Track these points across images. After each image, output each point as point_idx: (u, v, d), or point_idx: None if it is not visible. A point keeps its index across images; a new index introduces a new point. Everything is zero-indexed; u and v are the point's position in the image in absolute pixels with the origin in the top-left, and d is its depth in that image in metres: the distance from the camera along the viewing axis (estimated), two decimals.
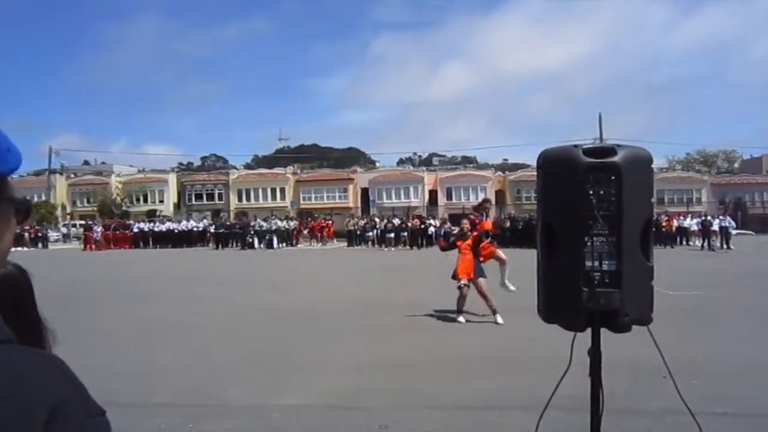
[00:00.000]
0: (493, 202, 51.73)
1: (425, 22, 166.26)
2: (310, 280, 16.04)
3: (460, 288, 8.82)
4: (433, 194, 54.98)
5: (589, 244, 2.28)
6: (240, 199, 57.14)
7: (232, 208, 55.62)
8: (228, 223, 37.14)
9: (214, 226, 36.44)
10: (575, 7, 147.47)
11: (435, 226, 33.90)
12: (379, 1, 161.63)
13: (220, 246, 33.28)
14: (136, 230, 37.27)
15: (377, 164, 75.30)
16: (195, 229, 37.67)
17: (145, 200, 57.78)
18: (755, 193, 53.99)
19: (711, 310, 10.04)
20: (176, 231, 37.20)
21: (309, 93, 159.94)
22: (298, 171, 61.61)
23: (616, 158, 2.26)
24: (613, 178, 2.25)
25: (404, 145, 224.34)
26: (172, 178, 60.09)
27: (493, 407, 5.00)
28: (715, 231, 28.30)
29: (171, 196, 58.64)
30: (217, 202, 57.15)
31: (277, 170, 60.78)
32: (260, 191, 56.94)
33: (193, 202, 57.60)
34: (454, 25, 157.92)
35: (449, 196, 54.34)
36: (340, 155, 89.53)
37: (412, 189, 54.54)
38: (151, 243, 36.40)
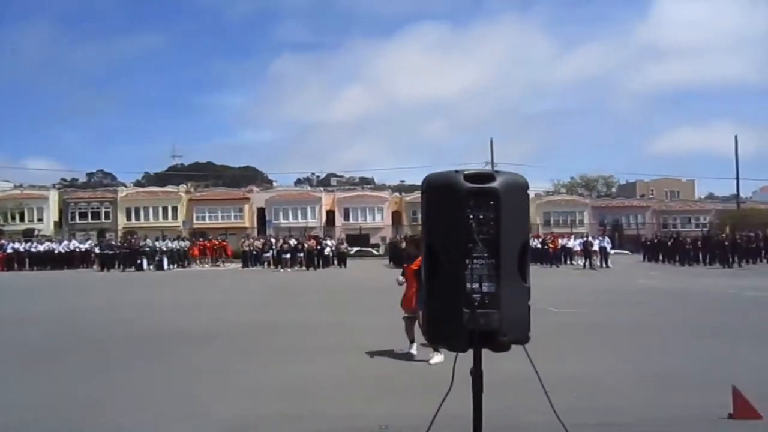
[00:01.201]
0: (390, 222, 52.66)
1: (325, 44, 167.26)
2: (202, 303, 15.50)
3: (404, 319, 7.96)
4: (330, 215, 55.07)
5: (469, 266, 2.35)
6: (129, 218, 54.57)
7: (119, 227, 52.95)
8: (114, 244, 35.25)
9: (99, 247, 34.43)
10: (466, 39, 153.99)
11: (331, 247, 33.87)
12: (279, 22, 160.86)
13: (105, 268, 31.48)
14: (10, 251, 34.48)
15: (274, 184, 74.45)
16: (77, 249, 35.42)
17: (22, 218, 53.76)
18: (630, 216, 58.28)
19: (590, 326, 10.61)
20: (56, 252, 34.78)
21: (205, 110, 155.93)
22: (192, 189, 59.67)
23: (494, 184, 2.36)
24: (491, 202, 2.34)
25: (302, 165, 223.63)
26: (53, 195, 56.43)
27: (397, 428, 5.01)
28: (595, 251, 30.13)
29: (51, 214, 54.97)
30: (103, 221, 54.25)
31: (169, 188, 58.57)
32: (151, 210, 54.67)
33: (77, 221, 54.30)
34: (353, 49, 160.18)
35: (347, 217, 54.64)
36: (236, 174, 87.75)
37: (309, 209, 54.33)
38: (27, 265, 33.78)
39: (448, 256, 2.37)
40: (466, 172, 2.39)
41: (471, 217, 2.34)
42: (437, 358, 7.32)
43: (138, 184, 71.84)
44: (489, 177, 2.38)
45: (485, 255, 2.35)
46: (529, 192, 2.47)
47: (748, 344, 8.47)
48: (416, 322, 7.43)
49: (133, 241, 34.09)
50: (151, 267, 31.24)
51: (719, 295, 15.81)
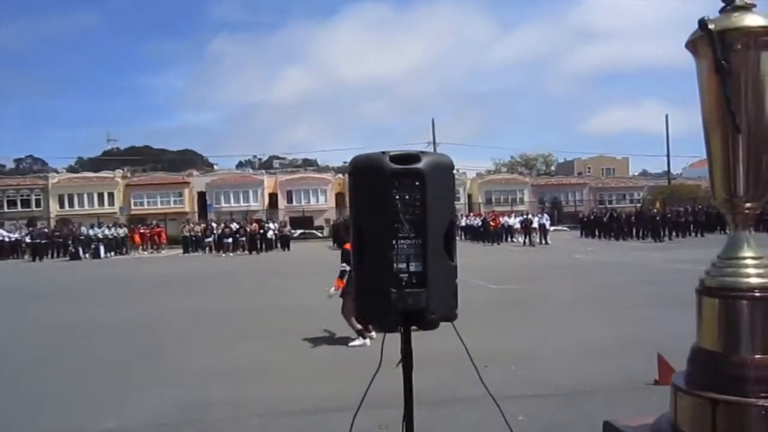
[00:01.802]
0: (334, 204, 52.46)
1: (264, 24, 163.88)
2: (140, 290, 15.14)
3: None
4: (273, 197, 54.42)
5: (396, 247, 2.37)
6: (62, 206, 52.42)
7: (52, 215, 50.88)
8: (46, 232, 33.91)
9: (30, 236, 33.04)
10: (407, 19, 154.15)
11: (274, 230, 33.55)
12: (216, 1, 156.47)
13: (37, 258, 30.28)
14: None
15: (215, 167, 72.91)
16: (6, 239, 33.90)
17: None
18: (568, 193, 59.87)
19: (528, 302, 10.93)
20: None
21: (141, 92, 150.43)
22: (129, 174, 57.80)
23: (420, 164, 2.37)
24: (417, 183, 2.36)
25: (244, 148, 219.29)
26: None
27: (328, 410, 5.04)
28: (535, 228, 30.89)
29: None
30: (34, 208, 51.92)
31: (104, 173, 56.48)
32: (85, 196, 52.62)
33: (5, 210, 51.82)
34: (293, 29, 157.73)
35: (290, 199, 54.12)
36: (175, 157, 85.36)
37: (251, 192, 53.54)
38: None
39: (374, 236, 2.38)
40: (391, 153, 2.40)
41: (397, 197, 2.35)
42: (358, 341, 7.41)
43: (71, 169, 69.01)
44: (414, 158, 2.39)
45: (412, 235, 2.37)
46: (454, 172, 2.50)
47: (674, 313, 8.88)
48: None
49: (73, 228, 32.77)
50: (87, 255, 30.24)
51: (649, 267, 16.51)
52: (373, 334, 7.70)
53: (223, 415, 5.07)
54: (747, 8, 2.09)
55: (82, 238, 31.57)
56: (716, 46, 1.91)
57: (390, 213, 2.34)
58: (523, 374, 6.09)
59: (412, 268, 2.38)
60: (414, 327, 2.51)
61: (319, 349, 7.48)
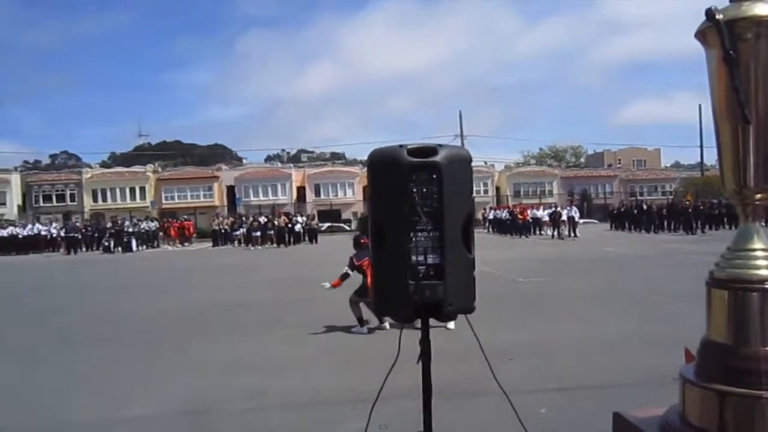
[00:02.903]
0: (361, 197, 52.52)
1: (293, 19, 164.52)
2: (171, 283, 15.42)
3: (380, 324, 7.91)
4: (301, 191, 54.74)
5: (413, 239, 2.40)
6: (95, 200, 53.54)
7: (86, 209, 52.00)
8: (79, 226, 34.68)
9: (64, 230, 33.83)
10: (433, 13, 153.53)
11: (302, 223, 33.80)
12: None
13: (71, 251, 31.00)
14: None
15: (244, 161, 73.63)
16: (42, 233, 34.76)
17: None
18: (598, 185, 59.05)
19: (555, 295, 10.84)
20: (20, 236, 34.09)
21: (171, 87, 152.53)
22: (159, 169, 58.71)
23: (437, 158, 2.39)
24: (434, 176, 2.38)
25: (272, 142, 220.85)
26: (15, 178, 54.87)
27: (349, 401, 5.09)
28: (563, 221, 30.58)
29: (14, 197, 53.59)
30: (68, 203, 53.11)
31: (136, 168, 57.48)
32: (118, 191, 53.69)
33: (41, 204, 53.11)
34: (320, 24, 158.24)
35: (317, 193, 54.39)
36: (204, 152, 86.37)
37: (279, 186, 53.93)
38: None
39: (392, 229, 2.41)
40: (409, 147, 2.41)
41: (414, 190, 2.37)
42: (356, 329, 7.68)
43: (104, 165, 70.46)
44: (432, 151, 2.40)
45: (429, 228, 2.39)
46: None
47: (703, 308, 8.74)
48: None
49: (119, 222, 33.34)
50: (119, 249, 30.84)
51: (680, 260, 16.22)
52: (387, 324, 7.76)
53: (246, 406, 5.15)
54: None
55: (130, 231, 32.08)
56: (724, 36, 1.89)
57: (408, 206, 2.37)
58: (547, 368, 6.06)
59: (429, 261, 2.41)
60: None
61: (340, 341, 7.54)
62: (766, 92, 2.04)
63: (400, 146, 2.44)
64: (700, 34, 2.09)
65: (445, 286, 2.40)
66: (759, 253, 2.16)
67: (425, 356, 2.57)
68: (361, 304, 7.73)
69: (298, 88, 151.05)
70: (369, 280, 7.48)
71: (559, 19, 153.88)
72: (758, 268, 2.12)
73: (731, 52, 1.88)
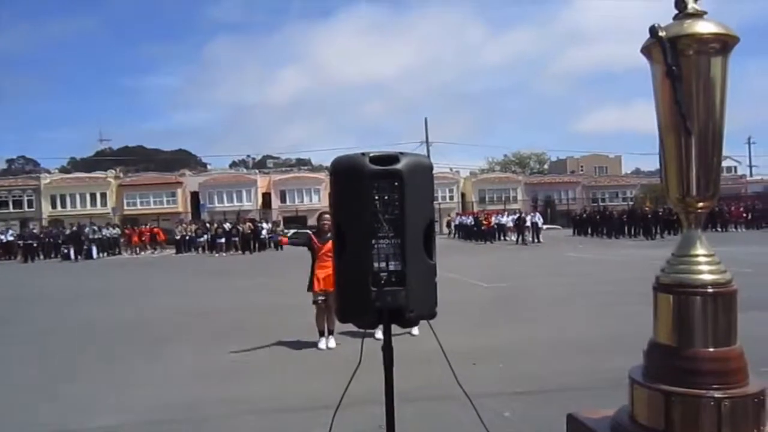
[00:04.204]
0: (327, 203, 52.39)
1: (261, 25, 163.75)
2: (136, 289, 15.14)
3: (316, 303, 7.40)
4: (266, 197, 54.31)
5: (375, 246, 2.42)
6: (54, 206, 52.19)
7: (44, 215, 50.69)
8: (36, 233, 33.78)
9: (21, 237, 32.92)
10: (401, 21, 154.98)
11: (267, 230, 33.53)
12: (212, 2, 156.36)
13: (28, 259, 30.20)
14: None
15: (209, 167, 72.78)
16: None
17: None
18: (561, 191, 59.97)
19: (519, 299, 10.98)
20: None
21: (135, 93, 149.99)
22: (121, 174, 57.58)
23: (399, 165, 2.42)
24: (396, 184, 2.41)
25: (237, 148, 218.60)
26: None
27: (315, 407, 5.08)
28: (527, 226, 30.99)
29: None
30: (26, 209, 51.68)
31: (97, 174, 56.25)
32: (78, 197, 52.40)
33: None
34: (289, 31, 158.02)
35: (283, 199, 54.01)
36: (168, 158, 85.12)
37: (244, 192, 53.42)
38: None
39: (354, 236, 2.43)
40: (371, 155, 2.45)
41: (376, 198, 2.41)
42: (329, 343, 7.43)
43: (63, 170, 68.75)
44: (393, 159, 2.44)
45: (391, 235, 2.42)
46: (433, 173, 2.55)
47: None
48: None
49: (79, 228, 32.46)
50: (80, 256, 30.14)
51: (640, 265, 16.57)
52: (379, 334, 7.58)
53: (213, 413, 5.10)
54: (698, 15, 2.14)
55: (95, 237, 31.34)
56: (667, 53, 1.98)
57: (369, 213, 2.40)
58: (512, 371, 6.14)
59: (391, 267, 2.44)
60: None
61: (305, 347, 7.50)
62: (706, 106, 2.13)
63: (363, 154, 2.47)
64: (646, 50, 2.19)
65: (406, 292, 2.43)
66: (701, 259, 2.24)
67: (387, 362, 2.59)
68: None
69: (266, 95, 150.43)
70: (319, 263, 7.29)
71: (523, 28, 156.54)
72: (700, 273, 2.21)
73: (673, 67, 1.97)
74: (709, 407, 2.01)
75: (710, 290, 2.18)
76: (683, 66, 2.05)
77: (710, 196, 2.25)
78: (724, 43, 2.15)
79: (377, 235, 2.42)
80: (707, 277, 2.20)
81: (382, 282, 2.41)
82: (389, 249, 2.43)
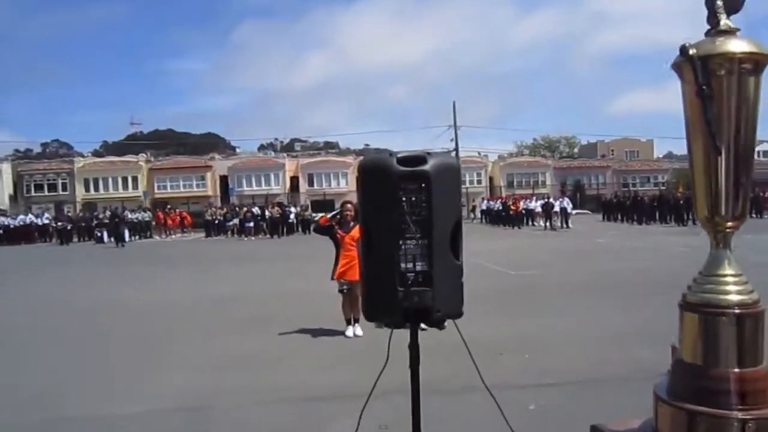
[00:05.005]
0: (355, 187, 52.40)
1: (289, 10, 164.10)
2: (163, 275, 15.43)
3: (342, 292, 7.44)
4: (294, 181, 54.62)
5: (403, 246, 2.44)
6: (87, 189, 53.29)
7: (78, 199, 51.80)
8: (71, 216, 34.54)
9: (56, 220, 33.69)
10: (427, 3, 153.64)
11: (295, 214, 33.78)
12: None
13: (63, 242, 30.91)
14: None
15: (237, 151, 73.38)
16: (34, 223, 34.62)
17: None
18: (591, 176, 59.22)
19: (546, 288, 10.93)
20: (12, 227, 33.93)
21: (165, 77, 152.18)
22: (152, 158, 58.43)
23: (426, 167, 2.43)
24: (423, 185, 2.42)
25: (265, 132, 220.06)
26: (6, 168, 54.43)
27: (341, 397, 5.15)
28: (556, 212, 30.70)
29: (5, 187, 53.20)
30: (60, 192, 52.85)
31: (128, 157, 57.16)
32: (110, 180, 53.40)
33: (33, 194, 52.83)
34: (316, 15, 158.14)
35: (311, 183, 54.29)
36: (197, 141, 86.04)
37: (272, 176, 53.80)
38: None
39: (382, 236, 2.46)
40: (399, 156, 2.46)
41: (404, 199, 2.42)
42: (356, 331, 7.47)
43: (96, 153, 70.09)
44: (421, 160, 2.44)
45: (418, 236, 2.44)
46: (460, 173, 2.55)
47: None
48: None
49: (118, 212, 33.06)
50: (112, 239, 30.74)
51: (670, 252, 16.35)
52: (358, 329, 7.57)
53: (240, 402, 5.20)
54: (731, 33, 2.11)
55: (132, 219, 31.88)
56: (698, 72, 1.94)
57: (397, 214, 2.42)
58: (538, 362, 6.14)
59: (418, 268, 2.46)
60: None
61: (331, 336, 7.57)
62: (737, 126, 2.10)
63: (390, 154, 2.49)
64: (676, 66, 2.15)
65: (433, 292, 2.45)
66: (729, 279, 2.23)
67: (413, 361, 2.62)
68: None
69: (293, 78, 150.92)
70: (344, 252, 7.35)
71: (551, 9, 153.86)
72: (728, 293, 2.20)
73: (704, 87, 1.94)
74: (733, 428, 2.00)
75: (737, 311, 2.18)
76: (714, 85, 2.02)
77: (739, 215, 2.24)
78: (757, 63, 2.12)
79: (404, 235, 2.44)
80: (734, 297, 2.19)
81: (409, 282, 2.43)
82: (416, 249, 2.45)
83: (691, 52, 1.97)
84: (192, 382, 5.79)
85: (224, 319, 8.93)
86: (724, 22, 2.06)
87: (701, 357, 2.20)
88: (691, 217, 29.69)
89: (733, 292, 2.21)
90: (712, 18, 2.06)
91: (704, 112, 1.95)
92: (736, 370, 2.14)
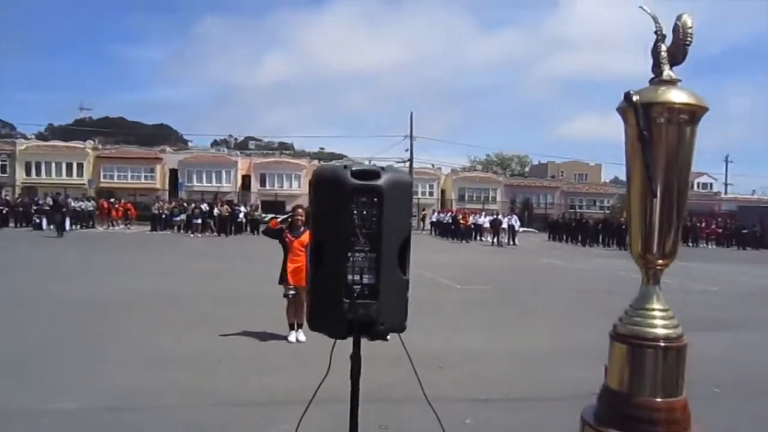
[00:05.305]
0: (307, 190, 52.09)
1: (254, 7, 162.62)
2: (104, 268, 14.99)
3: (287, 297, 7.38)
4: (246, 180, 53.85)
5: (351, 259, 2.47)
6: (29, 173, 51.22)
7: (18, 182, 49.82)
8: (8, 200, 33.21)
9: None
10: (393, 14, 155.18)
11: (245, 213, 33.35)
12: None
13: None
14: None
15: (189, 145, 72.01)
16: None
17: None
18: (540, 195, 60.45)
19: (491, 304, 11.13)
20: None
21: (120, 62, 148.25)
22: (100, 146, 56.66)
23: (379, 181, 2.46)
24: (375, 199, 2.45)
25: (220, 128, 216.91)
26: None
27: (282, 402, 5.11)
28: (504, 228, 31.27)
29: None
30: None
31: (75, 143, 55.17)
32: (53, 165, 51.41)
33: None
34: (281, 15, 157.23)
35: (263, 183, 53.61)
36: (149, 132, 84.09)
37: (224, 173, 52.90)
38: None
39: (331, 247, 2.47)
40: (353, 169, 2.49)
41: (355, 212, 2.45)
42: (298, 336, 7.44)
43: (40, 136, 67.48)
44: (375, 174, 2.48)
45: (367, 249, 2.47)
46: (412, 190, 2.60)
47: None
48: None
49: (59, 198, 31.81)
50: (51, 227, 29.68)
51: (610, 276, 16.86)
52: (292, 337, 7.52)
53: (175, 403, 5.11)
54: (673, 83, 2.26)
55: (75, 208, 30.77)
56: (640, 117, 2.08)
57: (347, 226, 2.44)
58: (477, 377, 6.24)
59: (365, 280, 2.48)
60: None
61: (274, 339, 7.52)
62: (672, 170, 2.24)
63: (345, 167, 2.51)
64: (620, 111, 2.29)
65: (378, 305, 2.48)
66: (657, 313, 2.38)
67: (355, 371, 2.64)
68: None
69: (252, 76, 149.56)
70: (291, 257, 7.31)
71: (512, 29, 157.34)
72: (655, 326, 2.35)
73: (645, 132, 2.07)
74: None
75: (662, 344, 2.32)
76: (654, 131, 2.15)
77: (670, 254, 2.38)
78: (693, 114, 2.26)
79: (354, 248, 2.46)
80: (660, 331, 2.34)
81: (356, 294, 2.46)
82: (364, 262, 2.48)
83: (635, 98, 2.11)
84: (127, 381, 5.65)
85: (165, 317, 8.76)
86: (667, 72, 2.22)
87: (627, 385, 2.32)
88: None
89: (659, 326, 2.34)
90: (656, 67, 2.21)
91: (644, 155, 2.07)
92: (659, 399, 2.27)
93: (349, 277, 2.46)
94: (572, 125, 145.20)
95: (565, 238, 34.98)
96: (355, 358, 2.64)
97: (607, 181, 76.41)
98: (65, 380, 5.60)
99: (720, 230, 37.21)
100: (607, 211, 50.41)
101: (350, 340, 2.62)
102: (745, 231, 36.06)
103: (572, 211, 48.58)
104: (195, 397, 5.25)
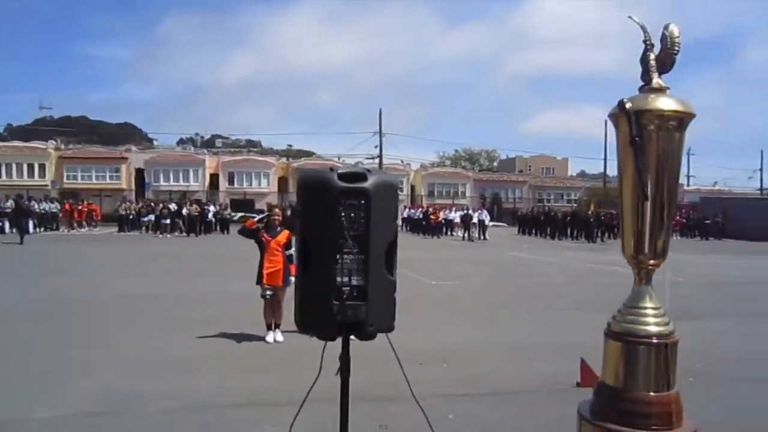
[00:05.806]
0: (276, 188, 51.82)
1: (218, 4, 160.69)
2: (75, 270, 14.72)
3: (264, 297, 7.37)
4: (214, 178, 53.26)
5: (339, 261, 2.49)
6: None
7: None
8: None
9: None
10: (358, 11, 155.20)
11: (214, 212, 33.00)
12: None
13: None
14: None
15: (155, 143, 70.94)
16: None
17: None
18: (509, 190, 61.09)
19: (463, 299, 11.24)
20: None
21: (81, 60, 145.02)
22: (62, 146, 55.37)
23: (366, 184, 2.49)
24: (362, 201, 2.48)
25: (186, 127, 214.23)
26: None
27: (264, 403, 5.10)
28: (474, 223, 31.52)
29: None
30: None
31: (35, 143, 53.80)
32: (14, 167, 49.99)
33: None
34: (247, 13, 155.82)
35: (231, 181, 53.08)
36: (113, 131, 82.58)
37: (192, 172, 52.16)
38: None
39: (320, 250, 2.49)
40: (340, 171, 2.50)
41: (343, 214, 2.47)
42: (276, 336, 7.43)
43: None
44: (361, 177, 2.50)
45: (355, 251, 2.49)
46: (398, 191, 2.63)
47: (599, 317, 9.33)
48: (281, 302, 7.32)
49: (21, 201, 30.88)
50: (14, 230, 28.95)
51: (580, 269, 17.19)
52: (270, 337, 7.53)
53: (157, 407, 5.06)
54: (662, 91, 2.37)
55: (39, 211, 30.00)
56: (632, 124, 2.19)
57: (335, 229, 2.46)
58: (456, 373, 6.30)
59: (354, 282, 2.51)
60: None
61: (252, 340, 7.49)
62: (663, 174, 2.35)
63: (331, 170, 2.53)
64: (613, 117, 2.38)
65: (367, 306, 2.50)
66: (649, 311, 2.50)
67: (344, 371, 2.66)
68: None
69: (218, 74, 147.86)
70: (268, 257, 7.31)
71: (478, 24, 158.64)
72: (647, 324, 2.47)
73: (637, 138, 2.16)
74: None
75: (655, 341, 2.44)
76: (645, 138, 2.26)
77: (661, 254, 2.49)
78: (681, 120, 2.38)
79: (342, 250, 2.48)
80: (653, 328, 2.46)
81: (345, 296, 2.48)
82: (353, 264, 2.50)
83: (627, 106, 2.22)
84: (103, 387, 5.57)
85: (142, 320, 8.65)
86: (656, 80, 2.35)
87: (621, 381, 2.44)
88: (599, 234, 31.32)
89: (652, 323, 2.47)
90: (645, 75, 2.32)
91: (636, 161, 2.16)
92: (652, 393, 2.39)
93: (338, 279, 2.48)
94: (538, 120, 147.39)
95: (534, 231, 35.39)
96: (344, 359, 2.66)
97: (574, 174, 77.75)
98: (44, 387, 5.50)
99: (684, 221, 38.05)
100: (575, 205, 51.16)
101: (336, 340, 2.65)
102: (707, 221, 37.03)
103: (540, 204, 49.24)
104: (176, 400, 5.21)
